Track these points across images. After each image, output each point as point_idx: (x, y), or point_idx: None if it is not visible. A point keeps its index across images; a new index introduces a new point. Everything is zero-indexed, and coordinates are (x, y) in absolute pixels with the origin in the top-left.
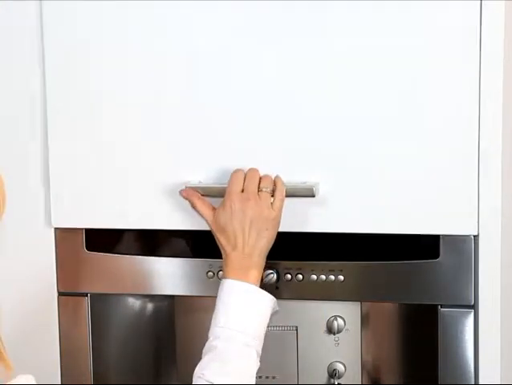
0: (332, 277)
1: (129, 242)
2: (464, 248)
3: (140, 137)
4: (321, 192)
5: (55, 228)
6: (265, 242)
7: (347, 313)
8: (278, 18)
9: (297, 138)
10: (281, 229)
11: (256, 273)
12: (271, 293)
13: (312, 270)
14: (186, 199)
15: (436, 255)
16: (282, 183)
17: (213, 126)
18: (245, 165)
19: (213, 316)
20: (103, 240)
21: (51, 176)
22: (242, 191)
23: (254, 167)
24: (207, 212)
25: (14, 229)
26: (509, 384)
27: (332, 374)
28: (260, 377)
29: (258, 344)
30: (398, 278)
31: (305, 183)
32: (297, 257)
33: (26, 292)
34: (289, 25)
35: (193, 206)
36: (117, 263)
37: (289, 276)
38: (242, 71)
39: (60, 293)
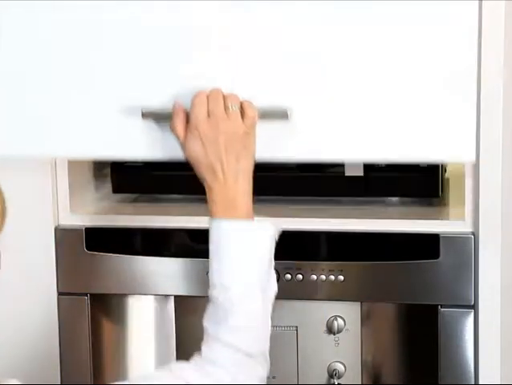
0: (332, 277)
1: (129, 242)
2: (464, 248)
3: (92, 55)
4: (297, 116)
5: (55, 228)
6: (246, 162)
7: (347, 313)
8: None
9: (268, 58)
10: None
11: (246, 201)
12: None
13: (312, 270)
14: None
15: (436, 255)
16: (250, 102)
17: (174, 44)
18: (209, 88)
19: (209, 264)
20: (104, 239)
21: None
22: (208, 115)
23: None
24: (181, 137)
25: (14, 229)
26: (509, 384)
27: (332, 374)
28: None
29: (262, 284)
30: (398, 278)
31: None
32: (297, 257)
33: (26, 292)
34: None
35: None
36: (117, 263)
37: (289, 276)
38: None
39: (60, 293)
